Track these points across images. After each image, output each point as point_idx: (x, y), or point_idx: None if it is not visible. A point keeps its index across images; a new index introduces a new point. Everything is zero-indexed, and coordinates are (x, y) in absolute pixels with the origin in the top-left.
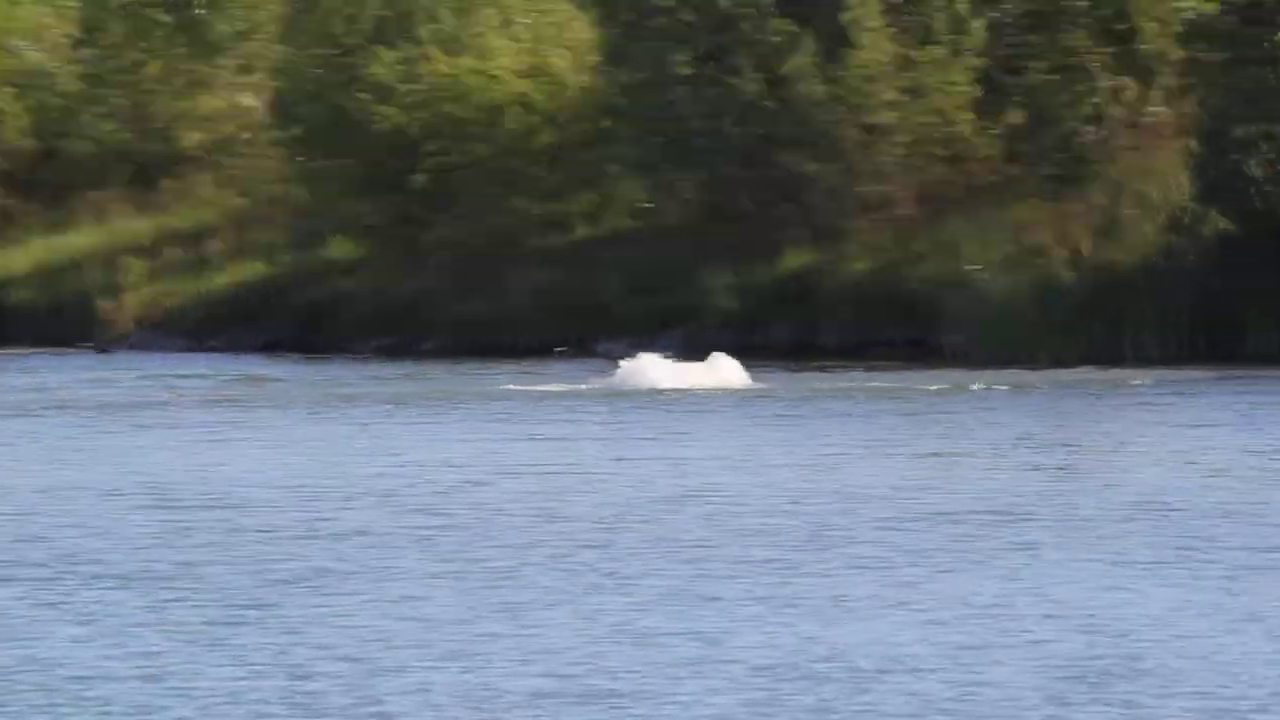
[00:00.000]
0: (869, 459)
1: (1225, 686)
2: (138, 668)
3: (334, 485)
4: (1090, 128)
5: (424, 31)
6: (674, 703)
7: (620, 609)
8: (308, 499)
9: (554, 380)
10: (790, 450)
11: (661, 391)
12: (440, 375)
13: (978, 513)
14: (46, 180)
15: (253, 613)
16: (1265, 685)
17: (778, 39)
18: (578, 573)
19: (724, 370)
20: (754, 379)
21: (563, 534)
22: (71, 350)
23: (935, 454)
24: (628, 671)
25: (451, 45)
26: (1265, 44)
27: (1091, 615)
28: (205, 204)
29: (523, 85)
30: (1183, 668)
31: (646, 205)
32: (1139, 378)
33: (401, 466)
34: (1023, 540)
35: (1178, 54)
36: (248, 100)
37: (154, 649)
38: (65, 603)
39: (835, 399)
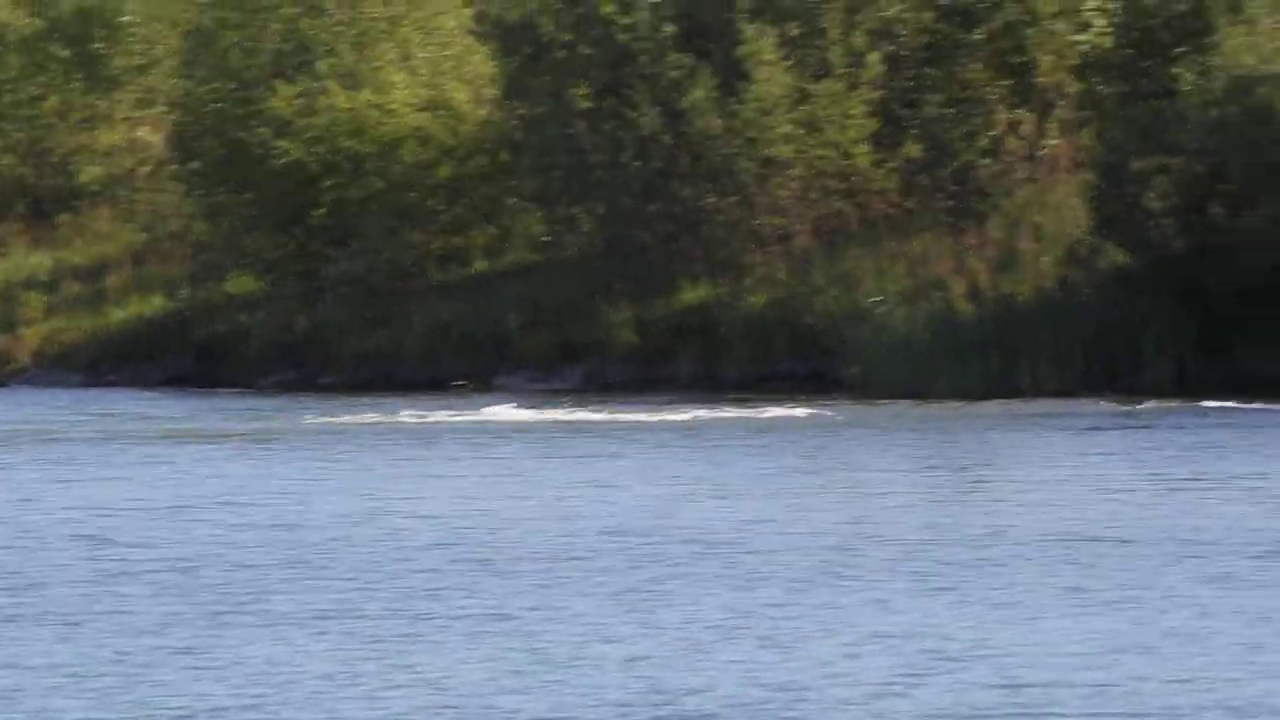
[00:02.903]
0: (749, 490)
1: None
2: None
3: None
4: (987, 160)
5: (322, 66)
6: None
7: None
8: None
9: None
10: (656, 482)
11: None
12: (335, 408)
13: (850, 541)
14: None
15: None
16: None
17: (676, 73)
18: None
19: None
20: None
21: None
22: None
23: (812, 487)
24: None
25: (350, 80)
26: (1160, 77)
27: (980, 644)
28: (104, 239)
29: (421, 119)
30: (1066, 697)
31: (546, 239)
32: (1034, 408)
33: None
34: (912, 569)
35: (1074, 87)
36: (146, 135)
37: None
38: None
39: (722, 431)
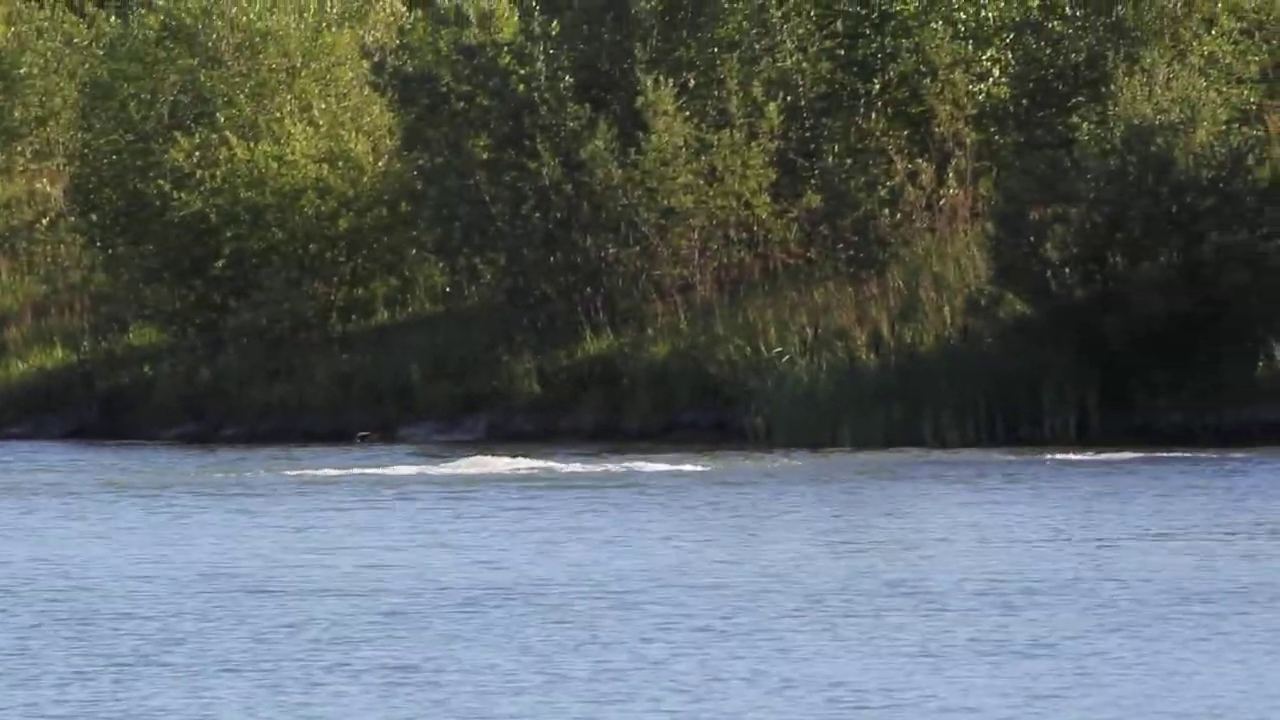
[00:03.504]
0: (658, 541)
1: None
2: None
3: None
4: (887, 210)
5: (221, 117)
6: None
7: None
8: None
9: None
10: (584, 532)
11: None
12: (233, 461)
13: (754, 590)
14: None
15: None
16: None
17: (575, 124)
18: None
19: None
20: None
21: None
22: None
23: (718, 535)
24: None
25: (248, 131)
26: (1058, 127)
27: (886, 692)
28: (4, 290)
29: (320, 170)
30: None
31: (448, 289)
32: (936, 458)
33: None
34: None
35: (972, 136)
36: (45, 186)
37: None
38: None
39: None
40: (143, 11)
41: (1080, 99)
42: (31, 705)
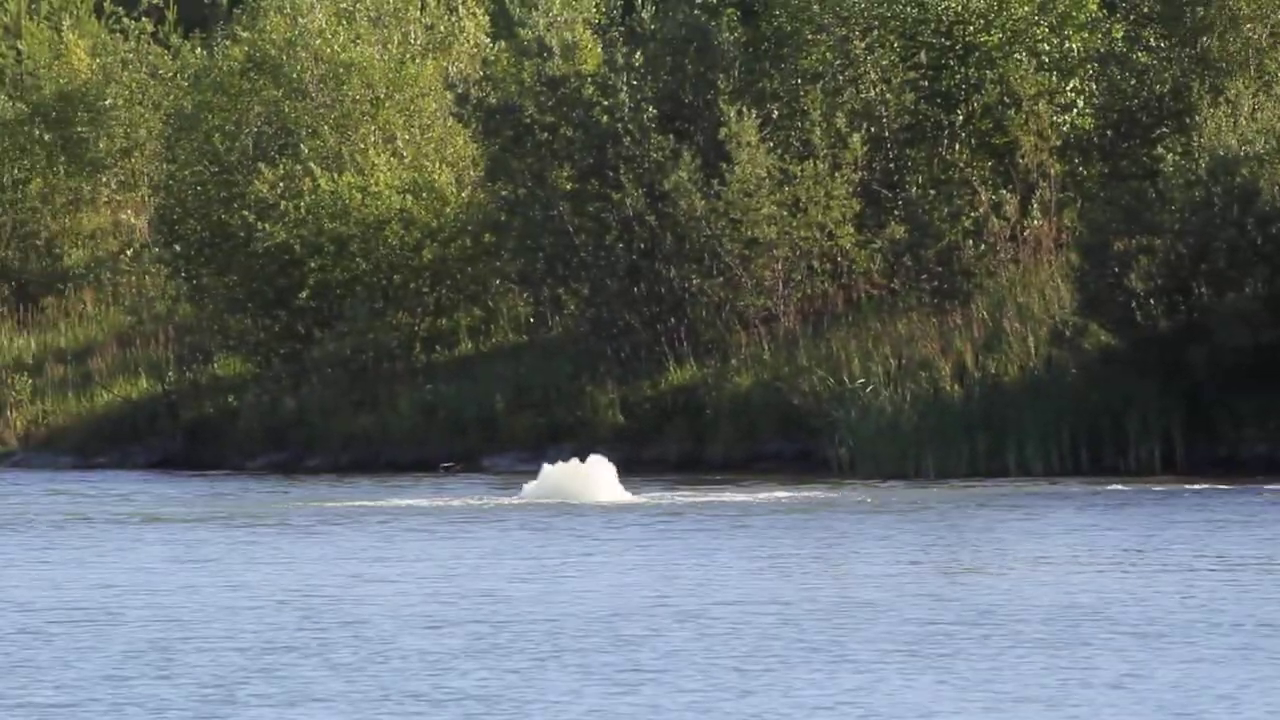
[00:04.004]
0: (737, 569)
1: None
2: None
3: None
4: (971, 241)
5: (305, 148)
6: None
7: None
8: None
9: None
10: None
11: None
12: (327, 491)
13: (842, 619)
14: None
15: None
16: None
17: (658, 155)
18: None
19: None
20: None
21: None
22: None
23: (809, 562)
24: None
25: (333, 162)
26: (1143, 158)
27: None
28: (89, 321)
29: (404, 201)
30: None
31: (531, 320)
32: (1020, 489)
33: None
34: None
35: (1056, 167)
36: (130, 217)
37: None
38: None
39: (722, 512)
40: (227, 43)
41: (1165, 130)
42: None
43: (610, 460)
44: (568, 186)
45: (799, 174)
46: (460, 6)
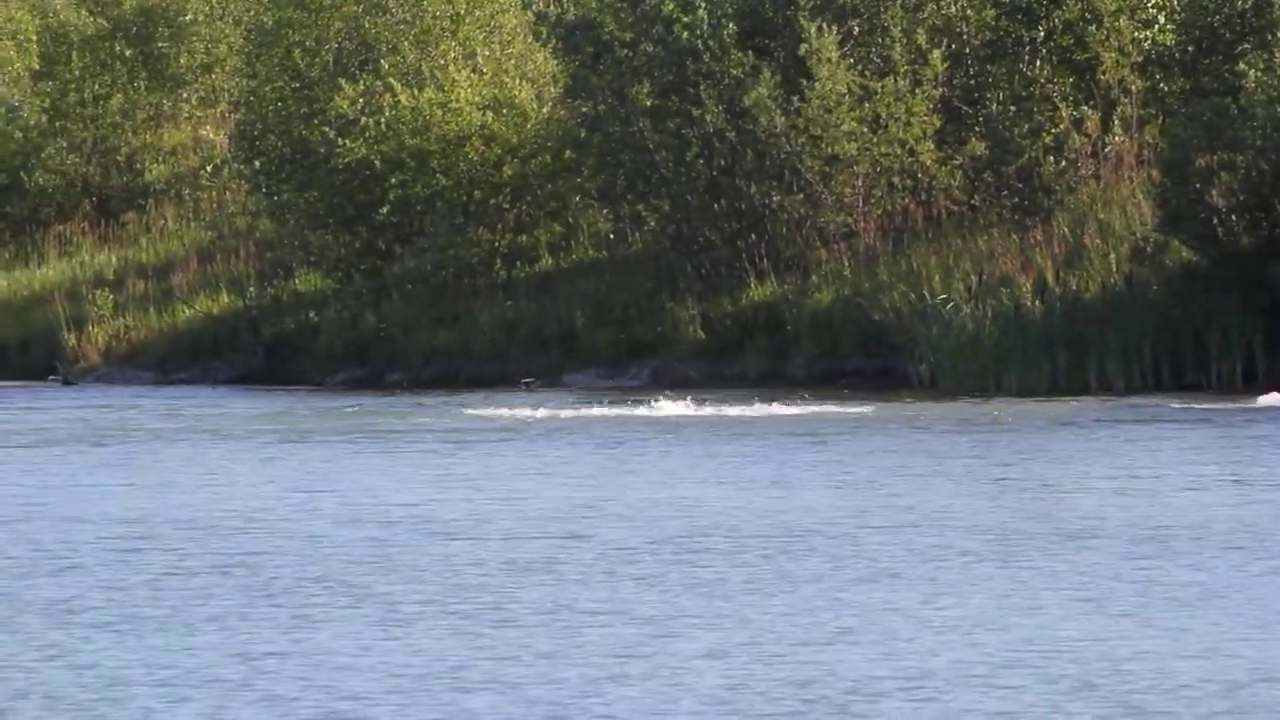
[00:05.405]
0: (828, 484)
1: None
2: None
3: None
4: (1052, 158)
5: (385, 64)
6: None
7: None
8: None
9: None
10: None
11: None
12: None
13: (935, 532)
14: (10, 214)
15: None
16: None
17: (738, 71)
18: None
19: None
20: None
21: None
22: (40, 384)
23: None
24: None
25: (413, 78)
26: (1224, 74)
27: (1049, 639)
28: (170, 237)
29: (485, 117)
30: (1134, 690)
31: (611, 236)
32: (1102, 405)
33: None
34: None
35: (1138, 84)
36: (210, 133)
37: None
38: None
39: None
40: None
41: (1247, 46)
42: (209, 647)
43: (690, 376)
44: (648, 103)
45: (879, 90)
46: None
